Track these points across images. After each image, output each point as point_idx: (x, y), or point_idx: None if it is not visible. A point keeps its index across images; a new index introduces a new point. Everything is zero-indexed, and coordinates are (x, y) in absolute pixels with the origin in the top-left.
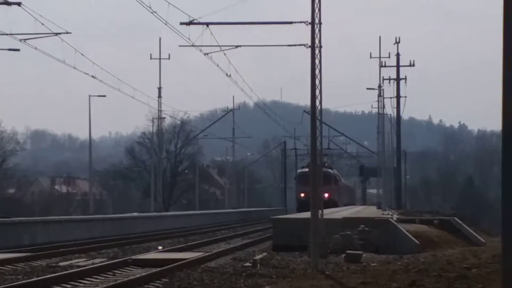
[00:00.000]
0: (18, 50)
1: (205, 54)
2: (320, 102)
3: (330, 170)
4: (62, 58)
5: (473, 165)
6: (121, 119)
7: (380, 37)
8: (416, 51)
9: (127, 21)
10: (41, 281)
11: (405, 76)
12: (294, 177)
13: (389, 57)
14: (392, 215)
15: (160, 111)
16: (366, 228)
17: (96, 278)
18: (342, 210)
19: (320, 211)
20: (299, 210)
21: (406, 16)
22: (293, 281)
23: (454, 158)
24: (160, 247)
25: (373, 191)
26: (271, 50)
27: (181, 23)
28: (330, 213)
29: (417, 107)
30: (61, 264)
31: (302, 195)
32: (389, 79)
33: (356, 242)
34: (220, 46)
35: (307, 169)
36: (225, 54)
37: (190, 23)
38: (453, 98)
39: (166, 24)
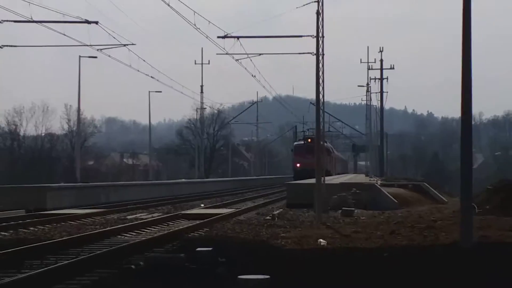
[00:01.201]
0: (95, 57)
1: (236, 60)
2: (323, 96)
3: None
4: (128, 63)
5: (438, 144)
6: (173, 109)
7: (368, 47)
8: (395, 56)
9: (177, 34)
10: (114, 230)
11: (387, 77)
12: (291, 149)
13: (374, 62)
14: (376, 181)
15: (202, 103)
16: (357, 191)
17: (155, 228)
18: (338, 177)
19: (322, 178)
20: (295, 179)
21: (388, 31)
22: (302, 230)
23: (424, 139)
24: (202, 205)
25: (362, 163)
26: (286, 56)
27: (218, 37)
28: (330, 179)
29: (395, 99)
30: (128, 217)
31: (298, 165)
32: (375, 78)
33: (350, 201)
34: (247, 54)
35: (302, 142)
36: (251, 60)
37: (225, 36)
38: (423, 92)
39: (207, 38)
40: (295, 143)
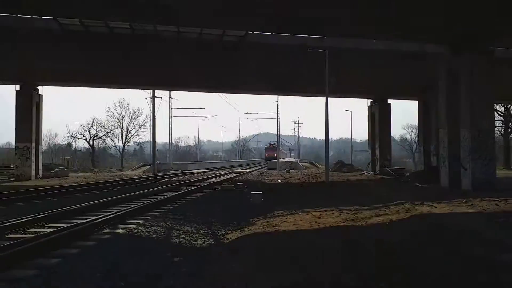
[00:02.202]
0: (203, 119)
1: (250, 120)
2: (279, 132)
3: (276, 147)
4: (220, 125)
5: (318, 149)
6: (230, 136)
7: (294, 116)
8: (303, 118)
9: (231, 111)
10: (209, 177)
11: (301, 126)
12: (264, 148)
13: (297, 121)
14: (297, 160)
15: (239, 135)
16: (290, 163)
17: (224, 176)
18: (284, 159)
19: (278, 159)
20: (266, 161)
21: (304, 108)
22: (272, 177)
23: (316, 149)
24: (239, 168)
25: (293, 154)
26: (267, 121)
27: (244, 113)
28: (281, 160)
29: (304, 132)
30: (215, 173)
31: (267, 155)
32: (296, 127)
33: (289, 168)
34: (255, 119)
35: (269, 145)
36: (253, 122)
37: (246, 113)
38: (315, 128)
39: (238, 111)
40: (265, 146)
